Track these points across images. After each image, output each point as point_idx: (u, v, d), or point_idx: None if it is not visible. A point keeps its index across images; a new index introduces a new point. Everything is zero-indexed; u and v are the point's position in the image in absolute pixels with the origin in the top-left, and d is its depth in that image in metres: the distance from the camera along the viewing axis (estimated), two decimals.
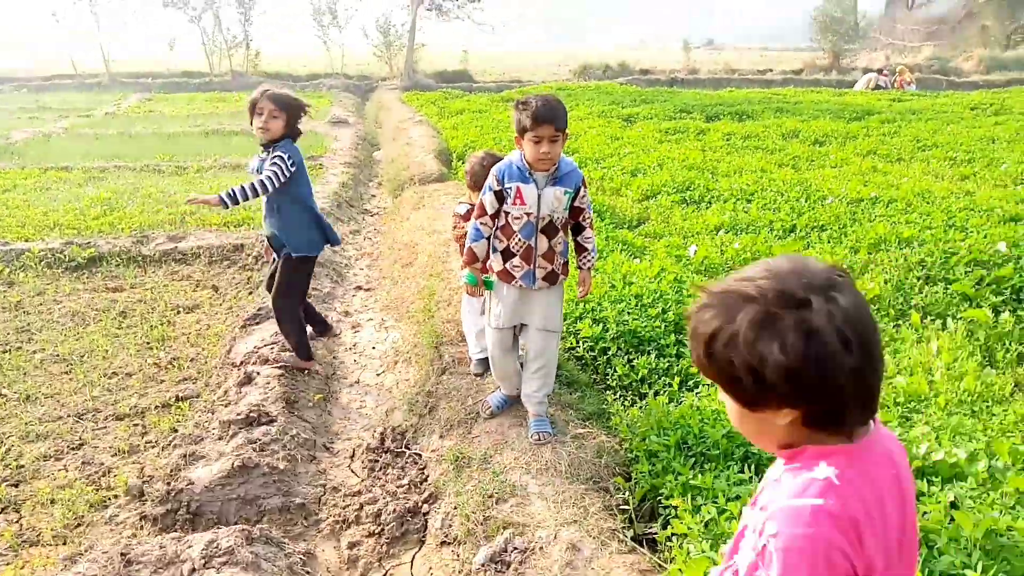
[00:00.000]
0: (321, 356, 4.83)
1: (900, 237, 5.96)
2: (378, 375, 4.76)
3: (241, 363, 4.44)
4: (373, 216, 9.14)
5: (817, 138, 12.48)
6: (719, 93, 20.88)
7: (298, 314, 4.42)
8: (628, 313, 4.48)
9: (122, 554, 2.88)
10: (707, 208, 7.75)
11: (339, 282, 6.50)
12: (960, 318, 4.83)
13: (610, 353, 4.22)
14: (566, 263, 3.43)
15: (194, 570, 2.78)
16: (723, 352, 1.24)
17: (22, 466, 3.62)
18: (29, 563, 2.93)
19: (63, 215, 7.86)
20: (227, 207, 3.95)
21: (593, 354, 4.28)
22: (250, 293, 5.89)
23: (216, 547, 2.86)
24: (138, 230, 7.34)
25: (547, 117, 3.05)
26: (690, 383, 3.97)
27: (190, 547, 2.89)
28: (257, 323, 5.00)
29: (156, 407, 4.16)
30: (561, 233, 3.33)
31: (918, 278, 5.33)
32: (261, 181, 4.00)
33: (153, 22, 31.78)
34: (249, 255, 6.70)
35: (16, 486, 3.47)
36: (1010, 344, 4.52)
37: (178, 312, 5.62)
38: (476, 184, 3.79)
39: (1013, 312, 4.86)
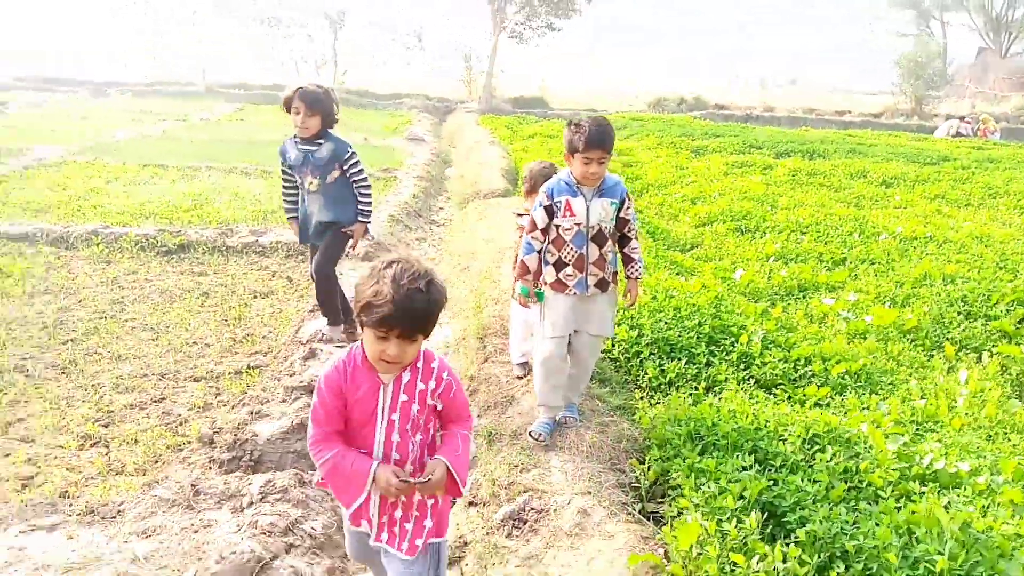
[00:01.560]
0: None
1: (945, 274, 6.06)
2: None
3: (307, 341, 4.89)
4: (439, 227, 9.62)
5: (885, 179, 12.44)
6: (793, 132, 20.85)
7: (337, 280, 4.97)
8: (664, 323, 4.76)
9: (192, 485, 3.32)
10: (761, 238, 7.94)
11: None
12: (996, 353, 4.94)
13: (642, 356, 4.51)
14: (615, 272, 3.64)
15: (252, 503, 3.20)
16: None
17: (112, 411, 4.13)
18: (115, 487, 3.39)
19: (157, 206, 8.58)
20: (362, 219, 4.79)
21: (627, 356, 4.57)
22: None
23: (272, 485, 3.27)
24: (224, 223, 7.96)
25: (598, 142, 3.32)
26: (716, 388, 4.22)
27: (250, 484, 3.31)
28: None
29: (229, 373, 4.63)
30: (610, 242, 3.55)
31: (959, 313, 5.44)
32: (367, 185, 4.76)
33: (248, 40, 33.46)
34: None
35: (106, 427, 3.97)
36: None
37: (255, 297, 6.15)
38: (534, 187, 4.07)
39: None
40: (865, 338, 5.10)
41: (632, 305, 3.81)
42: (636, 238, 3.66)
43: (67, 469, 3.55)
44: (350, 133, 16.77)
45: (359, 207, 4.76)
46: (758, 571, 2.48)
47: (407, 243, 8.33)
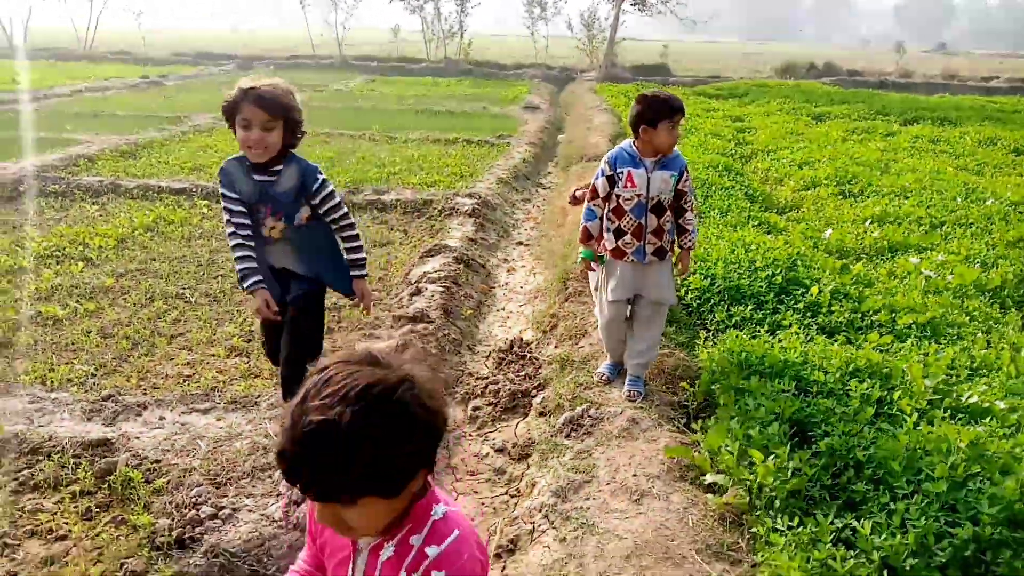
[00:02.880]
0: (480, 289, 5.88)
1: None
2: (520, 306, 5.72)
3: (415, 281, 5.56)
4: (546, 189, 10.14)
5: (1018, 147, 11.85)
6: (928, 99, 19.83)
7: None
8: (737, 274, 5.09)
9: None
10: (864, 201, 7.96)
11: (504, 236, 7.55)
12: None
13: (713, 303, 4.88)
14: (673, 241, 3.80)
15: None
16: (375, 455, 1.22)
17: (252, 331, 4.93)
18: (254, 385, 4.16)
19: None
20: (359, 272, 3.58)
21: (699, 302, 4.96)
22: (432, 236, 7.06)
23: None
24: (352, 183, 8.80)
25: (681, 108, 3.57)
26: (778, 333, 4.54)
27: None
28: (431, 256, 6.12)
29: (349, 305, 5.36)
30: (669, 212, 3.69)
31: None
32: (351, 224, 3.46)
33: (381, 11, 34.87)
34: (436, 209, 7.89)
35: (248, 342, 4.77)
36: None
37: (375, 246, 6.90)
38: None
39: None
40: (942, 295, 5.23)
41: (683, 275, 4.04)
42: (692, 210, 3.78)
43: (217, 371, 4.37)
44: (471, 103, 17.51)
45: (350, 257, 3.50)
46: (767, 464, 2.88)
47: (512, 204, 8.90)
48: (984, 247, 6.06)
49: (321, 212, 3.34)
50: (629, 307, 3.88)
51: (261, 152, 3.13)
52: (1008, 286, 5.32)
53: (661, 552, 2.68)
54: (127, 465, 3.30)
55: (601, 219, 3.77)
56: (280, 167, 3.25)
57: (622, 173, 3.63)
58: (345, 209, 3.41)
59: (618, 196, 3.66)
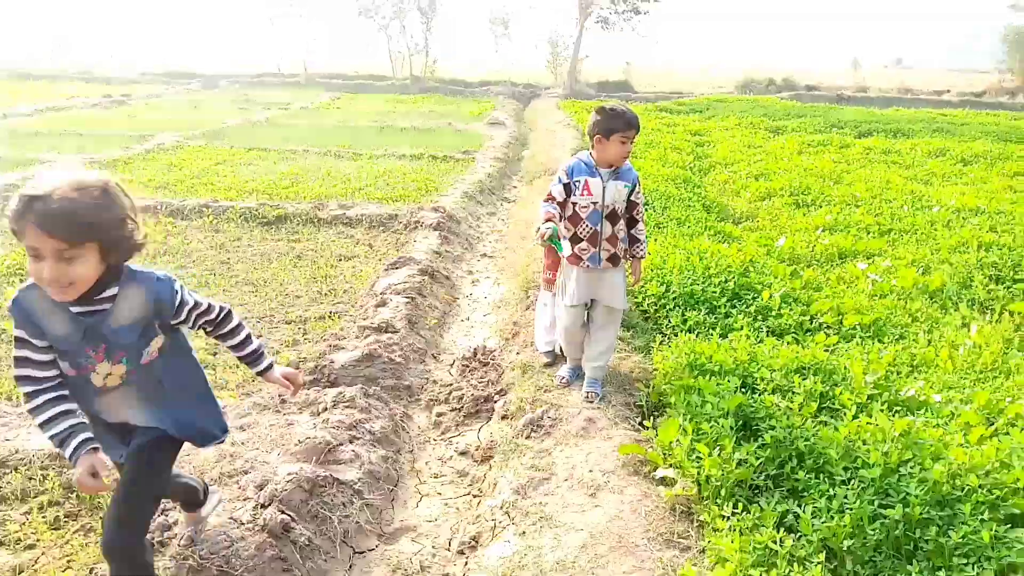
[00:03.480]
0: (445, 300, 6.00)
1: (983, 242, 6.30)
2: (484, 315, 5.85)
3: (380, 293, 5.66)
4: (511, 203, 10.30)
5: (965, 158, 12.30)
6: (882, 112, 20.44)
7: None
8: (692, 280, 5.28)
9: (279, 395, 4.12)
10: (816, 211, 8.24)
11: (468, 249, 7.69)
12: (1012, 312, 5.22)
13: (668, 308, 5.06)
14: (626, 249, 3.94)
15: (326, 408, 3.97)
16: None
17: (218, 344, 5.00)
18: (220, 396, 4.23)
19: (260, 183, 9.60)
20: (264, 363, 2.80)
21: (655, 308, 5.13)
22: (398, 250, 7.17)
23: (342, 396, 4.04)
24: (317, 198, 8.88)
25: (635, 124, 3.73)
26: (730, 336, 4.73)
27: (325, 395, 4.09)
28: (396, 268, 6.23)
29: (315, 318, 5.45)
30: (622, 221, 3.85)
31: (987, 277, 5.71)
32: (229, 313, 2.60)
33: (346, 29, 35.04)
34: (401, 223, 8.01)
35: (214, 355, 4.84)
36: None
37: (340, 260, 6.99)
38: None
39: None
40: (886, 298, 5.46)
41: (636, 283, 4.16)
42: (643, 220, 3.95)
43: None
44: (437, 119, 17.68)
45: (243, 353, 2.73)
46: (714, 457, 3.04)
47: (478, 217, 9.05)
48: (928, 252, 6.33)
49: (193, 327, 2.47)
50: (585, 313, 4.01)
51: (63, 291, 2.08)
52: (948, 288, 5.58)
53: (615, 541, 2.81)
54: None
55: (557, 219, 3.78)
56: (113, 292, 2.22)
57: (579, 182, 3.76)
58: (215, 305, 2.51)
59: (574, 204, 3.78)
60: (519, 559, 2.79)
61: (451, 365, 4.94)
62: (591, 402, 3.87)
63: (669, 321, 4.93)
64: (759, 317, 4.97)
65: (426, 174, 10.68)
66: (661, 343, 4.61)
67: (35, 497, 3.28)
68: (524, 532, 2.97)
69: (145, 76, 28.77)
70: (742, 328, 4.76)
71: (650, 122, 15.99)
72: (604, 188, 3.76)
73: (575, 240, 3.84)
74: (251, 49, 35.24)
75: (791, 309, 5.02)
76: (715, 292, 5.13)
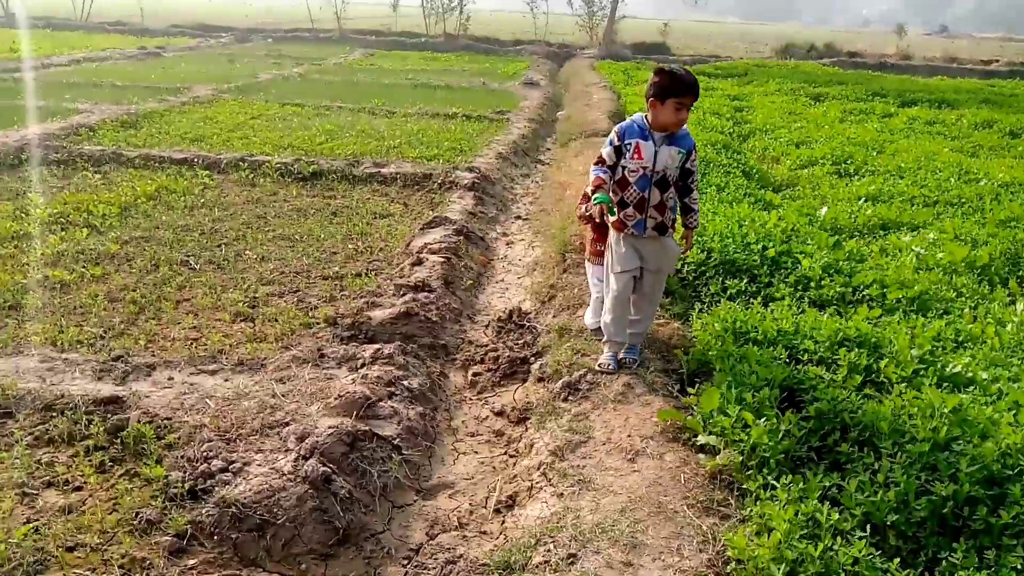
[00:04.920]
0: (480, 261, 5.98)
1: None
2: (519, 278, 5.83)
3: (416, 252, 5.65)
4: (544, 165, 10.21)
5: (1014, 130, 11.93)
6: (927, 81, 19.88)
7: None
8: (732, 247, 5.19)
9: (318, 349, 4.15)
10: (859, 180, 8.06)
11: (503, 211, 7.64)
12: None
13: (708, 276, 4.98)
14: (675, 219, 3.81)
15: (364, 364, 3.99)
16: None
17: (256, 297, 5.03)
18: (260, 348, 4.27)
19: (295, 139, 9.59)
20: None
21: (695, 275, 5.06)
22: (432, 209, 7.14)
23: (380, 352, 4.05)
24: (352, 155, 8.86)
25: (692, 90, 3.54)
26: (770, 304, 4.66)
27: (364, 351, 4.10)
28: (432, 227, 6.21)
29: (352, 275, 5.46)
30: (672, 189, 3.70)
31: None
32: None
33: None
34: (435, 182, 7.97)
35: (252, 307, 4.87)
36: None
37: (375, 217, 6.98)
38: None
39: None
40: (932, 271, 5.34)
41: (686, 253, 4.06)
42: (697, 189, 3.81)
43: (223, 335, 4.46)
44: (470, 78, 17.49)
45: None
46: (761, 426, 3.00)
47: (512, 179, 8.98)
48: (975, 226, 6.17)
49: None
50: (634, 282, 3.83)
51: None
52: (996, 263, 5.43)
53: (654, 506, 2.80)
54: (139, 422, 3.41)
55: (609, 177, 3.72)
56: None
57: (630, 144, 3.63)
58: None
59: (624, 168, 3.66)
60: (557, 520, 2.79)
61: (486, 326, 4.93)
62: (629, 367, 3.82)
63: (708, 288, 4.86)
64: (800, 287, 4.88)
65: (460, 133, 10.59)
66: (700, 311, 4.55)
67: (81, 441, 3.34)
68: (562, 494, 2.97)
69: (176, 28, 28.72)
70: (783, 298, 4.68)
71: None
72: (656, 153, 3.61)
73: (621, 205, 3.71)
74: (284, 2, 35.04)
75: (833, 280, 4.92)
76: (755, 260, 5.04)
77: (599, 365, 3.86)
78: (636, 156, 3.62)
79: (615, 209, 3.73)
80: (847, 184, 7.97)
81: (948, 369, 3.66)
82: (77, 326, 4.45)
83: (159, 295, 4.95)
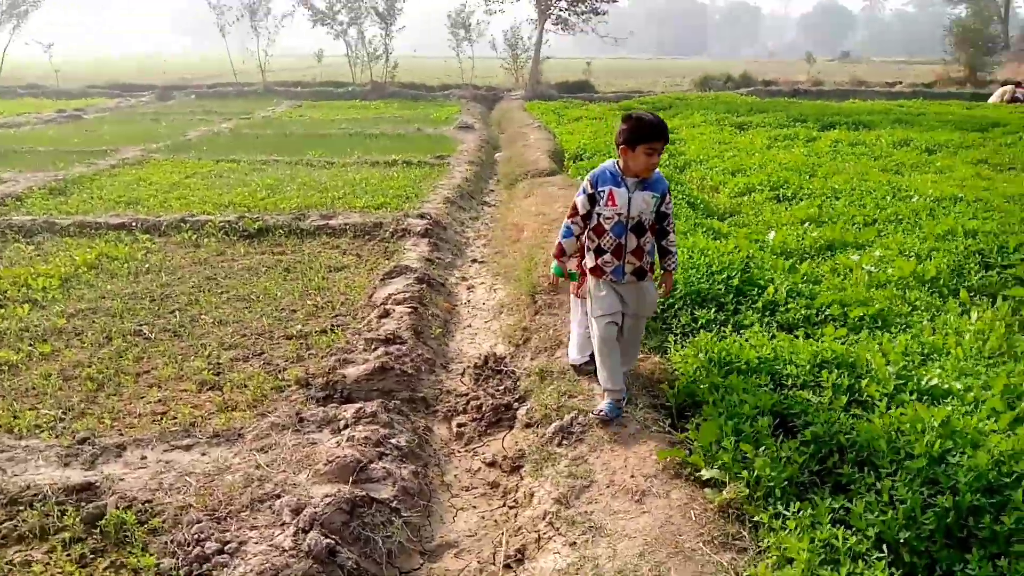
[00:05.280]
0: (445, 308, 5.92)
1: (967, 229, 6.42)
2: (486, 322, 5.79)
3: (381, 303, 5.56)
4: (491, 207, 10.25)
5: (929, 147, 12.58)
6: (840, 105, 20.84)
7: None
8: (696, 278, 5.28)
9: (297, 413, 4.02)
10: (797, 204, 8.34)
11: (458, 255, 7.62)
12: (1008, 296, 5.33)
13: (676, 308, 5.04)
14: (653, 263, 3.81)
15: (347, 425, 3.87)
16: None
17: (220, 363, 4.86)
18: (234, 418, 4.11)
19: (235, 196, 9.39)
20: None
21: (663, 308, 5.11)
22: (387, 259, 7.06)
23: (363, 411, 3.94)
24: (296, 209, 8.72)
25: (663, 133, 3.56)
26: (742, 331, 4.74)
27: (345, 412, 3.99)
28: (393, 277, 6.14)
29: (316, 332, 5.33)
30: (649, 233, 3.70)
31: (977, 264, 5.82)
32: None
33: (302, 36, 34.60)
34: (387, 231, 7.89)
35: (218, 375, 4.70)
36: None
37: (330, 271, 6.85)
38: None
39: None
40: (886, 288, 5.53)
41: (666, 294, 4.04)
42: (674, 231, 3.82)
43: (192, 407, 4.28)
44: (405, 125, 17.53)
45: None
46: (763, 456, 3.02)
47: (462, 223, 8.97)
48: (916, 241, 6.44)
49: None
50: (618, 327, 3.78)
51: None
52: (943, 276, 5.67)
53: (672, 547, 2.78)
54: (117, 508, 3.22)
55: (578, 237, 3.78)
56: None
57: (603, 192, 3.62)
58: None
59: (599, 215, 3.65)
60: (576, 571, 2.74)
61: (461, 374, 4.87)
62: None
63: (679, 320, 4.92)
64: (767, 312, 4.98)
65: (403, 180, 10.56)
66: (675, 342, 4.59)
67: (55, 534, 3.13)
68: (575, 543, 2.92)
69: (93, 89, 28.01)
70: (752, 324, 4.77)
71: (617, 121, 16.02)
72: (630, 199, 3.60)
73: (599, 252, 3.70)
74: (203, 60, 34.59)
75: (796, 303, 5.04)
76: (720, 289, 5.13)
77: (597, 412, 3.71)
78: (610, 203, 3.61)
79: (575, 272, 3.84)
80: (787, 208, 8.23)
81: (924, 383, 3.77)
82: (32, 409, 4.20)
83: (116, 369, 4.72)
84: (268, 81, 28.37)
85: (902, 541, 2.69)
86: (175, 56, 54.03)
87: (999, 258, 5.79)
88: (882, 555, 2.60)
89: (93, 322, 5.48)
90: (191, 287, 6.34)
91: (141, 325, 5.46)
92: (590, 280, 3.81)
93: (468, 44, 30.45)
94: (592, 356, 4.16)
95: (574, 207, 3.73)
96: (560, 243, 3.82)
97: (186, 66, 40.54)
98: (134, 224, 8.14)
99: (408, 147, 13.83)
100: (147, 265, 6.92)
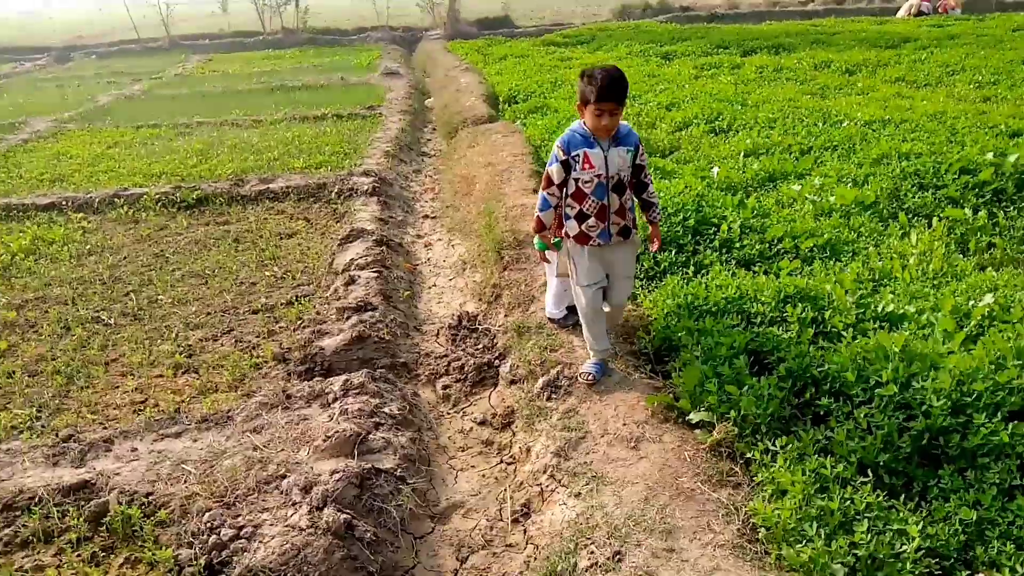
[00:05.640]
0: (407, 269, 5.93)
1: (900, 152, 6.73)
2: (450, 280, 5.83)
3: (343, 270, 5.53)
4: (431, 157, 10.15)
5: (848, 68, 12.93)
6: (758, 27, 21.11)
7: None
8: None
9: (283, 390, 4.03)
10: (734, 136, 8.53)
11: (409, 212, 7.58)
12: (944, 217, 5.65)
13: (638, 253, 5.18)
14: (635, 218, 3.72)
15: (336, 398, 3.91)
16: None
17: (191, 344, 4.80)
18: (218, 400, 4.09)
19: (166, 165, 9.05)
20: None
21: None
22: (338, 222, 6.98)
23: (350, 383, 3.98)
24: (233, 175, 8.46)
25: (611, 95, 3.33)
26: (703, 271, 4.92)
27: (332, 385, 4.02)
28: (350, 241, 6.09)
29: (281, 304, 5.29)
30: (629, 191, 3.62)
31: (913, 186, 6.13)
32: None
33: None
34: (332, 192, 7.77)
35: (190, 357, 4.64)
36: (982, 236, 5.36)
37: (281, 238, 6.74)
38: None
39: (989, 210, 5.67)
40: (830, 216, 5.79)
41: (656, 248, 3.97)
42: (651, 182, 3.74)
43: (171, 393, 4.24)
44: (327, 74, 16.99)
45: None
46: (747, 396, 3.21)
47: (406, 177, 8.89)
48: (853, 167, 6.71)
49: None
50: (603, 291, 3.78)
51: None
52: (882, 200, 5.96)
53: (673, 489, 2.95)
54: (119, 503, 3.21)
55: (555, 208, 3.66)
56: None
57: (578, 156, 3.50)
58: None
59: (576, 180, 3.54)
60: (587, 520, 2.89)
61: (436, 335, 4.93)
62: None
63: (642, 265, 5.06)
64: (723, 250, 5.17)
65: (337, 136, 10.32)
66: (642, 288, 4.74)
67: (60, 536, 3.12)
68: (579, 493, 3.07)
69: None
70: (712, 264, 4.95)
71: (544, 58, 15.94)
72: (606, 158, 3.49)
73: (581, 218, 3.59)
74: (96, 17, 32.40)
75: (751, 239, 5.25)
76: (679, 231, 5.29)
77: (585, 376, 3.77)
78: (587, 166, 3.50)
79: (559, 239, 3.74)
80: (724, 141, 8.42)
81: (880, 309, 4.02)
82: (3, 410, 4.10)
83: (83, 360, 4.62)
84: (173, 36, 26.91)
85: (881, 464, 2.93)
86: (61, 14, 50.48)
87: (934, 179, 6.09)
88: (866, 479, 2.84)
89: (46, 312, 5.31)
90: (141, 266, 6.16)
91: (98, 311, 5.32)
92: (573, 247, 3.70)
93: None
94: (569, 308, 4.28)
95: (547, 178, 3.60)
96: (539, 217, 3.67)
97: (78, 24, 37.98)
98: (64, 203, 7.80)
99: (335, 99, 13.47)
100: (88, 247, 6.68)
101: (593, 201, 3.54)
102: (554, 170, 3.55)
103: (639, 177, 3.68)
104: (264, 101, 13.60)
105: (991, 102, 9.61)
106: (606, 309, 3.85)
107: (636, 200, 3.78)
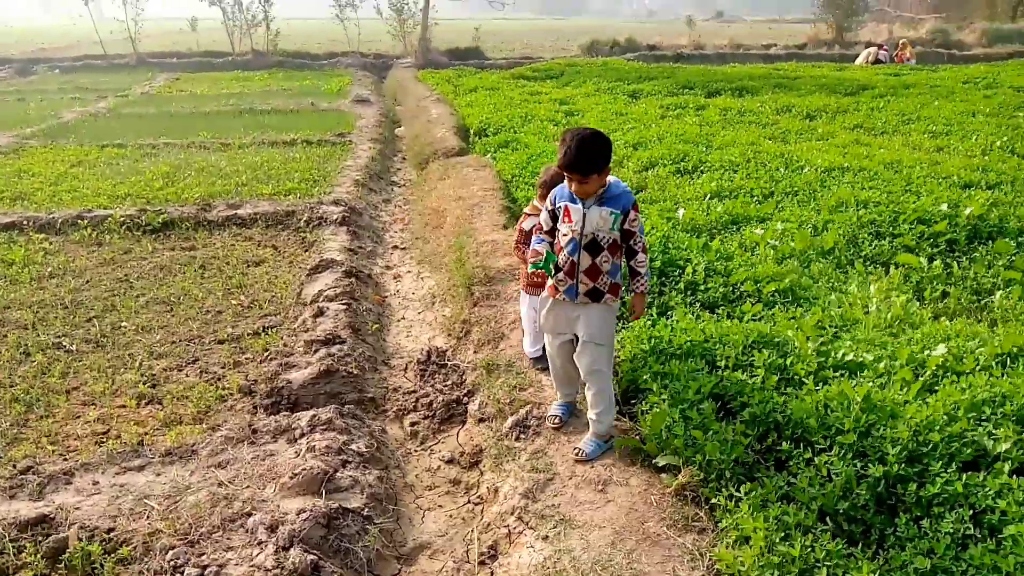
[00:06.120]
0: (376, 301, 5.94)
1: (859, 200, 6.96)
2: (419, 313, 5.85)
3: (312, 301, 5.52)
4: (401, 187, 10.20)
5: (809, 112, 13.35)
6: (722, 69, 21.70)
7: None
8: None
9: (249, 425, 4.00)
10: (699, 177, 8.74)
11: (379, 242, 7.60)
12: (899, 264, 5.86)
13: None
14: (616, 285, 3.52)
15: (303, 434, 3.89)
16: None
17: (155, 374, 4.73)
18: (182, 432, 4.04)
19: (131, 187, 8.95)
20: None
21: None
22: (306, 251, 6.97)
23: (317, 419, 3.97)
24: (200, 199, 8.40)
25: (573, 167, 3.30)
26: (668, 313, 5.02)
27: (299, 420, 4.00)
28: (319, 272, 6.09)
29: (248, 334, 5.25)
30: (607, 252, 3.43)
31: (870, 234, 6.34)
32: None
33: (171, 2, 32.62)
34: (301, 220, 7.76)
35: (154, 387, 4.58)
36: (936, 285, 5.56)
37: (248, 266, 6.71)
38: (544, 193, 3.93)
39: (943, 260, 5.89)
40: (791, 260, 5.95)
41: (636, 317, 3.80)
42: (643, 251, 3.54)
43: (134, 424, 4.18)
44: (296, 98, 16.99)
45: None
46: (712, 441, 3.29)
47: (375, 206, 8.91)
48: (812, 213, 6.92)
49: None
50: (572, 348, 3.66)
51: None
52: (839, 247, 6.15)
53: (639, 534, 3.00)
54: (79, 539, 3.15)
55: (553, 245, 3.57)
56: None
57: (560, 208, 3.49)
58: None
59: (559, 231, 3.52)
60: (554, 564, 2.92)
61: (404, 370, 4.94)
62: (577, 459, 3.52)
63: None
64: (688, 292, 5.28)
65: (307, 163, 10.33)
66: None
67: (16, 573, 3.05)
68: (547, 536, 3.10)
69: None
70: (676, 306, 5.05)
71: (514, 92, 16.15)
72: (584, 215, 3.40)
73: (555, 269, 3.52)
74: (61, 30, 31.98)
75: (715, 281, 5.37)
76: None
77: (549, 416, 3.81)
78: (566, 219, 3.45)
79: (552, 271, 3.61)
80: (690, 183, 8.61)
81: (840, 357, 4.15)
82: None
83: (43, 388, 4.53)
84: (140, 52, 26.70)
85: (840, 512, 3.01)
86: (22, 25, 49.74)
87: (890, 228, 6.31)
88: (826, 527, 2.92)
89: (5, 336, 5.20)
90: (104, 291, 6.07)
91: (59, 337, 5.22)
92: (543, 295, 3.67)
93: (352, 8, 29.59)
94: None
95: (539, 226, 3.62)
96: (534, 248, 3.58)
97: (42, 37, 37.44)
98: (25, 223, 7.66)
99: (305, 124, 13.48)
100: (49, 269, 6.57)
101: (565, 255, 3.47)
102: (543, 219, 3.58)
103: (628, 243, 3.51)
104: (233, 124, 13.55)
105: (944, 152, 9.99)
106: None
107: (624, 265, 3.63)
